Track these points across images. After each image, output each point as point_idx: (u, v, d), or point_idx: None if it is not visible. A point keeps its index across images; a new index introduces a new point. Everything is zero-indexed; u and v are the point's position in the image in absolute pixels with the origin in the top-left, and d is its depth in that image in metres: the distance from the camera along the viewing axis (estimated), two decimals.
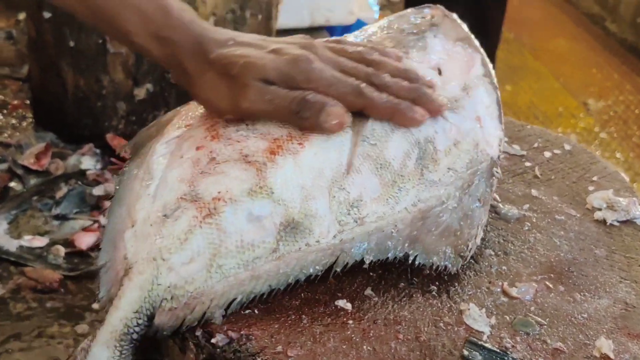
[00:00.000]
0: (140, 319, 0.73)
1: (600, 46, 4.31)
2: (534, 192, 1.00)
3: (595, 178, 1.04)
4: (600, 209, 0.97)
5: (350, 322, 0.76)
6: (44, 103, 2.24)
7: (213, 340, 0.73)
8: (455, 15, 0.98)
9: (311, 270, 0.77)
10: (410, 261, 0.81)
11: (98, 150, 2.12)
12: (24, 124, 2.28)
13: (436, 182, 0.83)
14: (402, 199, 0.81)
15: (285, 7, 2.39)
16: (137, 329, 0.73)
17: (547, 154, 1.09)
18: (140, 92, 2.12)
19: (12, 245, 1.73)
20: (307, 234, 0.77)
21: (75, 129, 2.18)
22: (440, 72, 0.90)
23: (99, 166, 2.07)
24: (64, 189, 1.94)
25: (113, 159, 2.06)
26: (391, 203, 0.81)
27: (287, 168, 0.78)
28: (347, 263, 0.78)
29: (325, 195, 0.78)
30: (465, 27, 0.97)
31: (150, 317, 0.73)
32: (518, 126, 1.16)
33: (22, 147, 2.08)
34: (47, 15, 2.05)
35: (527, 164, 1.06)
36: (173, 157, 0.82)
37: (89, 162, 2.06)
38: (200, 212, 0.76)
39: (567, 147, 1.11)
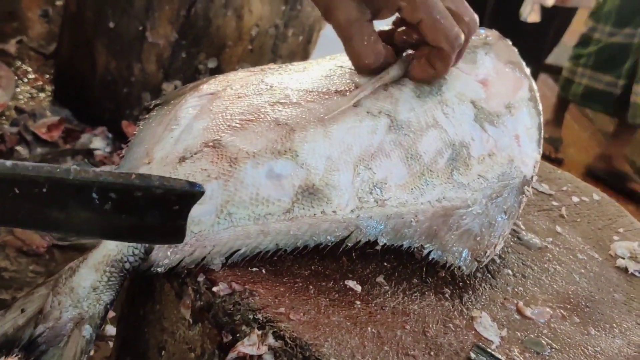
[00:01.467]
0: (137, 248, 0.70)
1: None
2: (558, 228, 0.97)
3: (621, 229, 1.01)
4: (623, 258, 0.94)
5: (358, 302, 0.72)
6: (68, 79, 2.23)
7: (215, 289, 0.69)
8: (509, 41, 0.98)
9: (322, 239, 0.75)
10: (424, 254, 0.78)
11: (110, 135, 2.09)
12: (42, 95, 2.26)
13: (464, 185, 0.82)
14: (427, 192, 0.79)
15: None
16: (131, 258, 0.70)
17: (575, 199, 1.06)
18: (169, 87, 2.11)
19: None
20: (325, 202, 0.75)
21: (94, 110, 2.16)
22: (485, 86, 0.89)
23: (108, 149, 2.04)
24: (69, 163, 1.91)
25: (124, 145, 2.02)
26: (415, 193, 0.79)
27: (316, 136, 0.77)
28: (360, 240, 0.76)
29: (350, 170, 0.77)
30: (517, 53, 0.97)
31: (148, 251, 0.70)
32: (550, 168, 1.14)
33: (36, 115, 2.06)
34: None
35: (555, 203, 1.04)
36: (203, 109, 0.81)
37: (99, 143, 2.03)
38: (220, 159, 0.74)
39: (596, 197, 1.09)
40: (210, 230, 0.72)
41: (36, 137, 1.98)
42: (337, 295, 0.72)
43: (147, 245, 0.70)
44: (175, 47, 2.06)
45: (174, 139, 0.78)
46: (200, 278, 0.70)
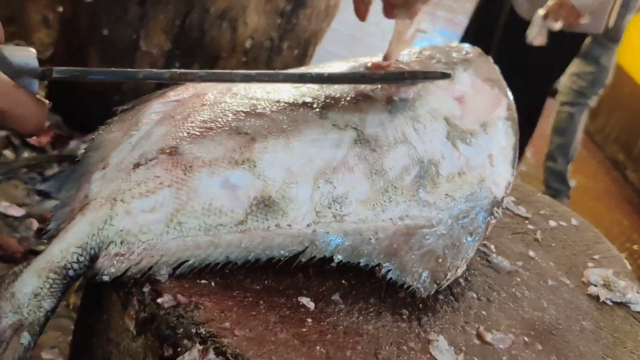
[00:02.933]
0: (81, 255, 0.68)
1: (616, 191, 4.29)
2: (531, 253, 0.94)
3: (596, 256, 0.98)
4: (595, 285, 0.91)
5: (309, 320, 0.70)
6: (60, 85, 2.21)
7: (159, 300, 0.67)
8: (490, 59, 0.96)
9: (275, 253, 0.73)
10: (382, 273, 0.76)
11: None
12: None
13: (430, 203, 0.79)
14: (390, 209, 0.77)
15: None
16: (75, 265, 0.68)
17: (552, 223, 1.04)
18: None
19: None
20: (280, 215, 0.73)
21: (84, 117, 2.14)
22: (461, 103, 0.87)
23: None
24: (54, 169, 1.89)
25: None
26: (377, 210, 0.77)
27: (277, 147, 0.75)
28: (315, 256, 0.73)
29: (310, 183, 0.75)
30: (498, 71, 0.95)
31: (93, 258, 0.68)
32: (529, 191, 1.12)
33: None
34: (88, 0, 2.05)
35: (530, 226, 1.01)
36: (165, 115, 0.79)
37: None
38: (175, 167, 0.72)
39: (575, 222, 1.06)
40: (158, 239, 0.70)
41: (24, 142, 1.97)
42: (288, 312, 0.70)
43: (92, 253, 0.68)
44: (168, 57, 2.05)
45: (131, 144, 0.76)
46: (146, 288, 0.68)
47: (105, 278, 0.69)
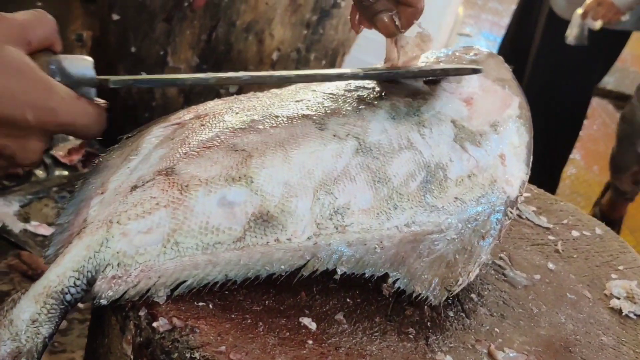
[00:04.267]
0: (78, 279, 0.67)
1: None
2: (550, 265, 0.91)
3: (621, 267, 0.95)
4: (618, 298, 0.87)
5: (310, 342, 0.68)
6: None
7: (154, 324, 0.66)
8: (501, 59, 0.93)
9: (275, 269, 0.71)
10: (389, 284, 0.74)
11: None
12: None
13: (438, 208, 0.77)
14: (395, 216, 0.75)
15: None
16: (72, 289, 0.67)
17: (575, 233, 1.00)
18: None
19: (16, 227, 1.68)
20: (280, 229, 0.71)
21: (115, 135, 2.16)
22: (469, 105, 0.85)
23: None
24: None
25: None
26: (381, 218, 0.75)
27: (275, 161, 0.74)
28: (317, 269, 0.72)
29: (310, 195, 0.73)
30: (510, 71, 0.92)
31: (91, 282, 0.67)
32: (551, 199, 1.08)
33: (57, 139, 2.07)
34: (115, 17, 2.06)
35: (551, 237, 0.98)
36: (165, 139, 0.79)
37: None
38: (171, 187, 0.71)
39: (599, 231, 1.02)
40: (155, 260, 0.69)
41: (55, 160, 1.98)
42: (288, 333, 0.68)
43: (89, 276, 0.67)
44: (196, 72, 2.05)
45: (130, 169, 0.75)
46: (142, 312, 0.67)
47: (103, 302, 0.68)
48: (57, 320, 0.67)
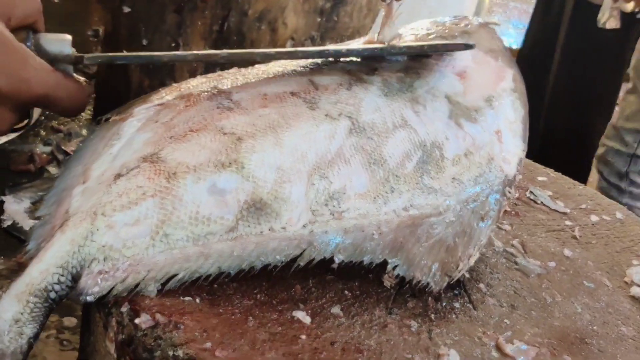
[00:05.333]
0: (63, 275, 0.63)
1: None
2: (566, 251, 0.86)
3: None
4: (639, 285, 0.82)
5: (303, 336, 0.64)
6: (106, 99, 2.21)
7: (137, 320, 0.62)
8: (494, 28, 0.88)
9: (270, 259, 0.67)
10: (388, 270, 0.70)
11: None
12: (83, 115, 2.25)
13: (436, 189, 0.73)
14: (392, 200, 0.71)
15: None
16: (56, 286, 0.63)
17: (594, 218, 0.95)
18: None
19: (27, 224, 1.66)
20: (274, 217, 0.67)
21: None
22: (463, 79, 0.80)
23: None
24: None
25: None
26: (379, 202, 0.71)
27: (266, 145, 0.70)
28: (314, 258, 0.68)
29: (304, 180, 0.69)
30: (502, 42, 0.87)
31: (76, 278, 0.63)
32: (569, 183, 1.03)
33: (71, 135, 2.04)
34: (126, 9, 2.03)
35: (568, 222, 0.93)
36: (148, 121, 0.74)
37: None
38: (158, 175, 0.67)
39: (620, 215, 0.97)
40: (144, 253, 0.65)
41: (68, 156, 1.96)
42: (280, 328, 0.64)
43: (73, 272, 0.64)
44: (208, 62, 2.01)
45: (112, 155, 0.71)
46: (124, 308, 0.63)
47: (89, 298, 0.64)
48: (41, 319, 0.63)
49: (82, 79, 0.74)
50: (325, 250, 0.68)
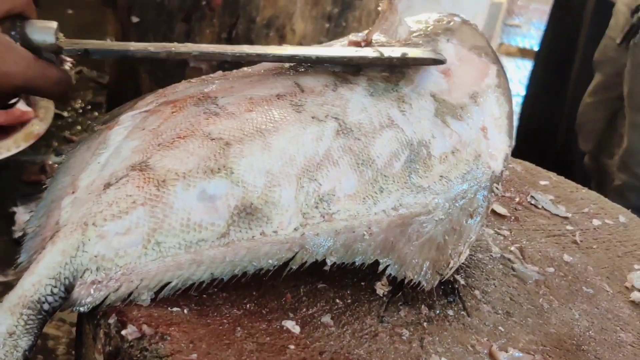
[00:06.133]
0: (55, 287, 0.63)
1: None
2: (566, 257, 0.84)
3: None
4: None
5: (292, 347, 0.63)
6: (117, 106, 2.22)
7: (123, 332, 0.62)
8: (476, 25, 0.88)
9: (263, 264, 0.67)
10: (379, 270, 0.70)
11: None
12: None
13: (424, 188, 0.73)
14: (381, 200, 0.71)
15: None
16: (50, 298, 0.63)
17: (596, 222, 0.93)
18: None
19: None
20: (265, 222, 0.67)
21: None
22: (447, 77, 0.80)
23: None
24: None
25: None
26: (368, 203, 0.71)
27: (254, 149, 0.70)
28: (306, 261, 0.68)
29: (293, 184, 0.69)
30: (485, 38, 0.87)
31: (68, 288, 0.63)
32: (572, 187, 1.01)
33: None
34: (135, 19, 2.04)
35: (569, 227, 0.91)
36: (135, 129, 0.74)
37: None
38: (147, 183, 0.67)
39: (623, 219, 0.95)
40: (136, 262, 0.65)
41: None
42: (268, 338, 0.64)
43: (66, 283, 0.64)
44: (217, 70, 2.02)
45: (100, 164, 0.71)
46: (112, 320, 0.63)
47: (83, 309, 0.64)
48: (35, 331, 0.63)
49: (68, 62, 0.78)
50: (317, 253, 0.68)
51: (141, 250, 0.65)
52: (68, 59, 0.78)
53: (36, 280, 0.63)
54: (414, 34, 0.85)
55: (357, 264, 0.69)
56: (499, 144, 0.79)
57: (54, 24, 0.76)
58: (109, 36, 2.80)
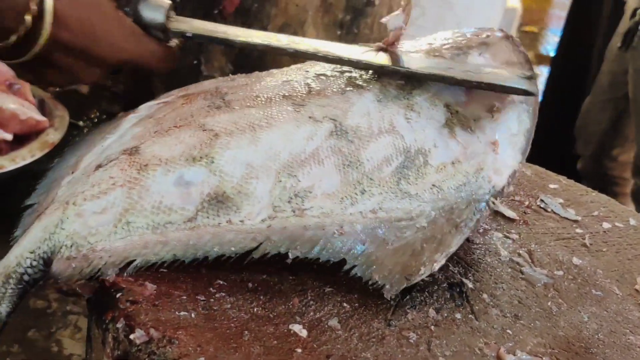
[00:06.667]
0: (34, 260, 0.67)
1: None
2: (575, 260, 0.84)
3: None
4: None
5: (299, 350, 0.63)
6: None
7: (131, 336, 0.62)
8: (518, 41, 0.87)
9: (226, 250, 0.69)
10: (345, 270, 0.70)
11: None
12: None
13: (411, 195, 0.74)
14: (361, 201, 0.72)
15: None
16: (29, 270, 0.67)
17: (606, 225, 0.93)
18: None
19: None
20: (233, 211, 0.69)
21: None
22: (469, 89, 0.80)
23: None
24: None
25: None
26: (345, 203, 0.72)
27: (241, 142, 0.72)
28: (268, 252, 0.69)
29: (271, 178, 0.71)
30: (525, 54, 0.86)
31: (47, 263, 0.68)
32: (582, 190, 1.01)
33: None
34: None
35: (578, 230, 0.91)
36: (145, 117, 0.78)
37: None
38: (130, 166, 0.70)
39: (633, 222, 0.95)
40: (106, 240, 0.68)
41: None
42: (275, 342, 0.64)
43: (45, 257, 0.67)
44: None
45: (103, 147, 0.75)
46: (120, 324, 0.64)
47: (61, 281, 0.68)
48: (15, 299, 0.68)
49: (175, 41, 0.85)
50: (281, 246, 0.69)
51: (112, 229, 0.68)
52: (175, 41, 0.84)
53: (19, 253, 0.68)
54: (446, 46, 0.85)
55: (321, 260, 0.70)
56: (508, 160, 0.79)
57: (166, 3, 0.82)
58: None
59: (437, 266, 0.71)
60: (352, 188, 0.72)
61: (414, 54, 0.84)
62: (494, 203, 0.76)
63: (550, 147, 2.88)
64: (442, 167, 0.76)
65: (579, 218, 0.93)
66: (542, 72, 4.66)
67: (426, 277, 0.73)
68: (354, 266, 0.70)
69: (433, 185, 0.75)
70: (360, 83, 0.80)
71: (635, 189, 2.57)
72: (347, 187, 0.72)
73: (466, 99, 0.80)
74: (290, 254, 0.69)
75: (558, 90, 3.10)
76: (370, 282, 0.70)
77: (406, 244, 0.71)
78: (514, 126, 0.81)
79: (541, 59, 5.12)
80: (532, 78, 0.81)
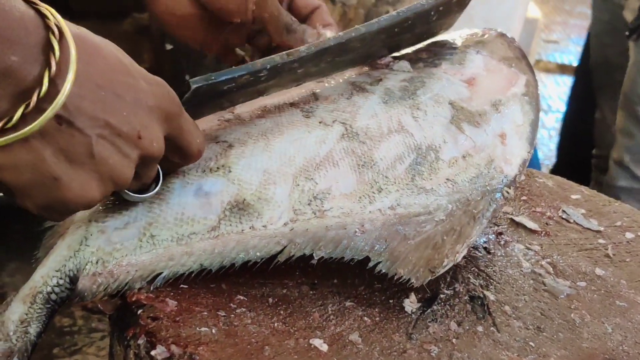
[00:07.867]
0: (61, 278, 0.68)
1: None
2: (598, 270, 0.83)
3: None
4: None
5: None
6: None
7: (152, 352, 0.62)
8: (513, 38, 0.89)
9: (251, 256, 0.70)
10: (369, 267, 0.71)
11: None
12: None
13: (427, 190, 0.75)
14: (378, 199, 0.73)
15: None
16: (56, 289, 0.68)
17: (629, 235, 0.92)
18: None
19: None
20: (255, 217, 0.70)
21: None
22: (471, 85, 0.81)
23: None
24: None
25: None
26: (364, 202, 0.73)
27: (255, 151, 0.73)
28: (293, 255, 0.70)
29: (289, 182, 0.72)
30: (520, 50, 0.87)
31: (73, 280, 0.68)
32: (604, 201, 1.00)
33: None
34: (168, 47, 2.08)
35: (601, 240, 0.90)
36: None
37: None
38: None
39: None
40: (132, 254, 0.69)
41: None
42: (296, 356, 0.64)
43: (71, 275, 0.68)
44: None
45: None
46: (141, 340, 0.64)
47: (87, 299, 0.68)
48: (44, 319, 0.68)
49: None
50: (306, 247, 0.70)
51: (137, 243, 0.69)
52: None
53: (45, 273, 0.68)
54: (444, 47, 0.87)
55: (345, 259, 0.71)
56: (517, 150, 0.80)
57: None
58: (145, 64, 2.85)
59: (459, 257, 0.72)
60: (368, 187, 0.73)
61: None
62: (508, 192, 0.77)
63: (575, 156, 2.86)
64: (454, 162, 0.77)
65: (602, 228, 0.93)
66: (565, 82, 4.64)
67: (447, 289, 0.73)
68: (379, 262, 0.70)
69: (447, 179, 0.76)
70: (364, 87, 0.81)
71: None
72: (363, 186, 0.73)
73: (469, 94, 0.82)
74: (315, 255, 0.70)
75: (583, 100, 3.07)
76: (395, 277, 0.70)
77: (427, 238, 0.72)
78: (519, 118, 0.83)
79: (564, 69, 5.10)
80: None
